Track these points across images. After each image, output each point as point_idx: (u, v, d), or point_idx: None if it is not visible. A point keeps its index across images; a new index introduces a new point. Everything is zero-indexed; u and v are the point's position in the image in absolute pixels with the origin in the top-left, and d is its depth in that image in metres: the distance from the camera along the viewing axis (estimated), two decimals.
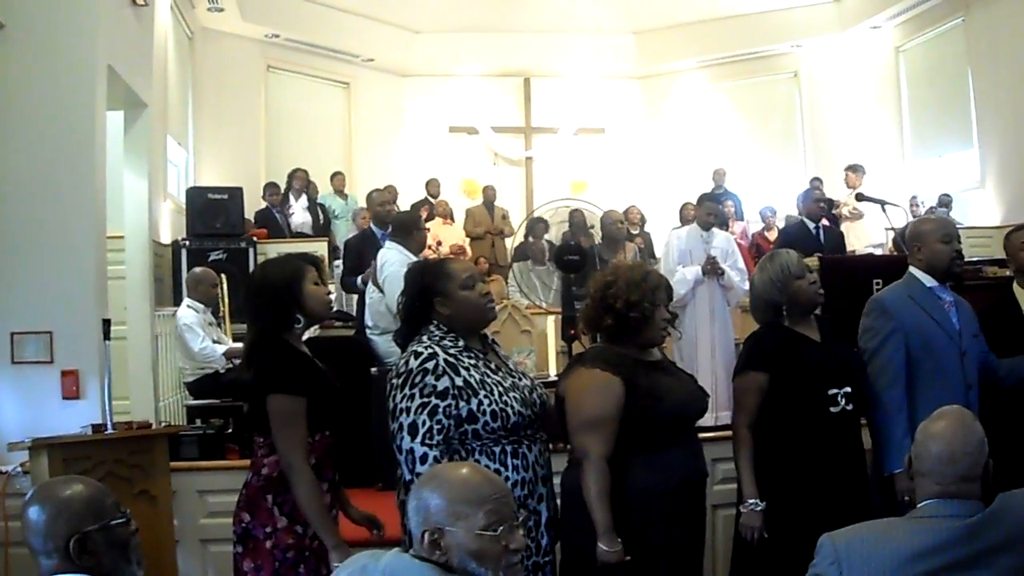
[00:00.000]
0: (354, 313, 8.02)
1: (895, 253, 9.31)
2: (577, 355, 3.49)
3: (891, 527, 2.47)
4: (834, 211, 11.34)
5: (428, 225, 11.30)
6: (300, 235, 11.39)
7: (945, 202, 11.52)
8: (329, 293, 3.50)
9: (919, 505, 2.44)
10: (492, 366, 3.24)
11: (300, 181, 11.97)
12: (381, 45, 14.60)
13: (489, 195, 13.63)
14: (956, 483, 2.39)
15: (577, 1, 14.69)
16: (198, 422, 6.52)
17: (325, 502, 3.23)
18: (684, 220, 11.40)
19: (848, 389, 3.69)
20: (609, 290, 3.37)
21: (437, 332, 3.19)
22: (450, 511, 2.12)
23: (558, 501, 3.34)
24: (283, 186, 11.91)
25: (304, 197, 11.90)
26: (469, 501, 2.13)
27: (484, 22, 14.81)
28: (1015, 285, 4.49)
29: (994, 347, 4.12)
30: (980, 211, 11.95)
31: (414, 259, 6.23)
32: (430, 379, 3.06)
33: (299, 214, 11.74)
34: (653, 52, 15.71)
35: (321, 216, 12.02)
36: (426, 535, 2.12)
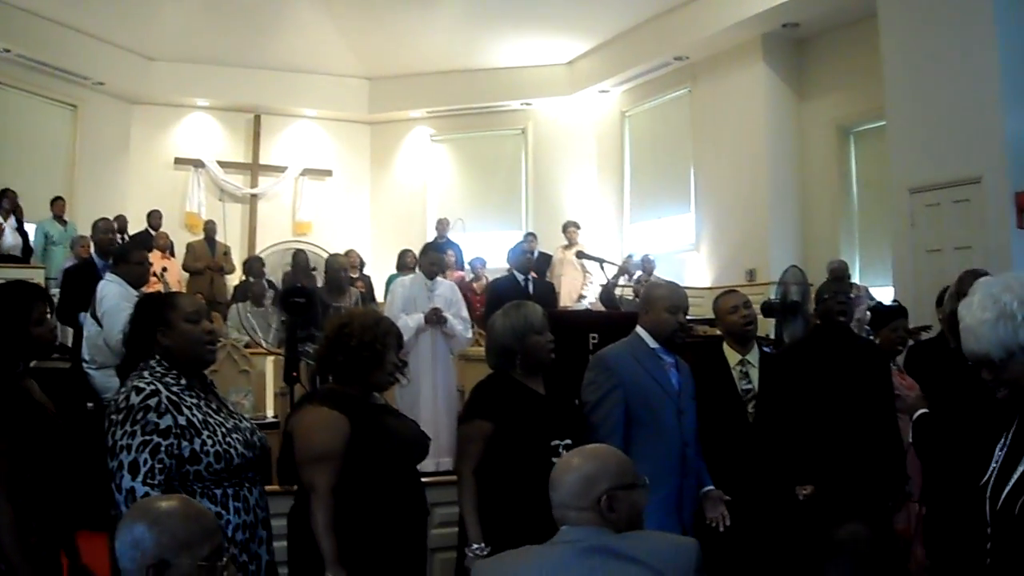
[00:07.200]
0: (70, 344, 7.53)
1: (602, 309, 9.72)
2: (306, 394, 3.52)
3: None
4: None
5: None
6: (10, 258, 10.83)
7: (648, 265, 11.84)
8: (53, 329, 3.31)
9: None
10: (213, 407, 3.16)
11: (9, 202, 11.26)
12: (112, 69, 14.02)
13: (211, 230, 13.40)
14: None
15: (313, 42, 14.62)
16: None
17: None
18: (401, 267, 11.48)
19: (569, 441, 3.78)
20: (344, 329, 3.43)
21: (159, 368, 3.08)
22: (174, 543, 2.08)
23: (275, 544, 3.30)
24: None
25: (12, 218, 11.23)
26: (192, 532, 2.11)
27: (219, 55, 14.56)
28: (724, 344, 4.76)
29: (705, 395, 4.34)
30: (694, 272, 12.70)
31: (133, 292, 6.06)
32: (152, 416, 2.93)
33: (9, 236, 11.07)
34: (386, 98, 15.90)
35: (39, 240, 11.57)
36: (150, 570, 2.06)
